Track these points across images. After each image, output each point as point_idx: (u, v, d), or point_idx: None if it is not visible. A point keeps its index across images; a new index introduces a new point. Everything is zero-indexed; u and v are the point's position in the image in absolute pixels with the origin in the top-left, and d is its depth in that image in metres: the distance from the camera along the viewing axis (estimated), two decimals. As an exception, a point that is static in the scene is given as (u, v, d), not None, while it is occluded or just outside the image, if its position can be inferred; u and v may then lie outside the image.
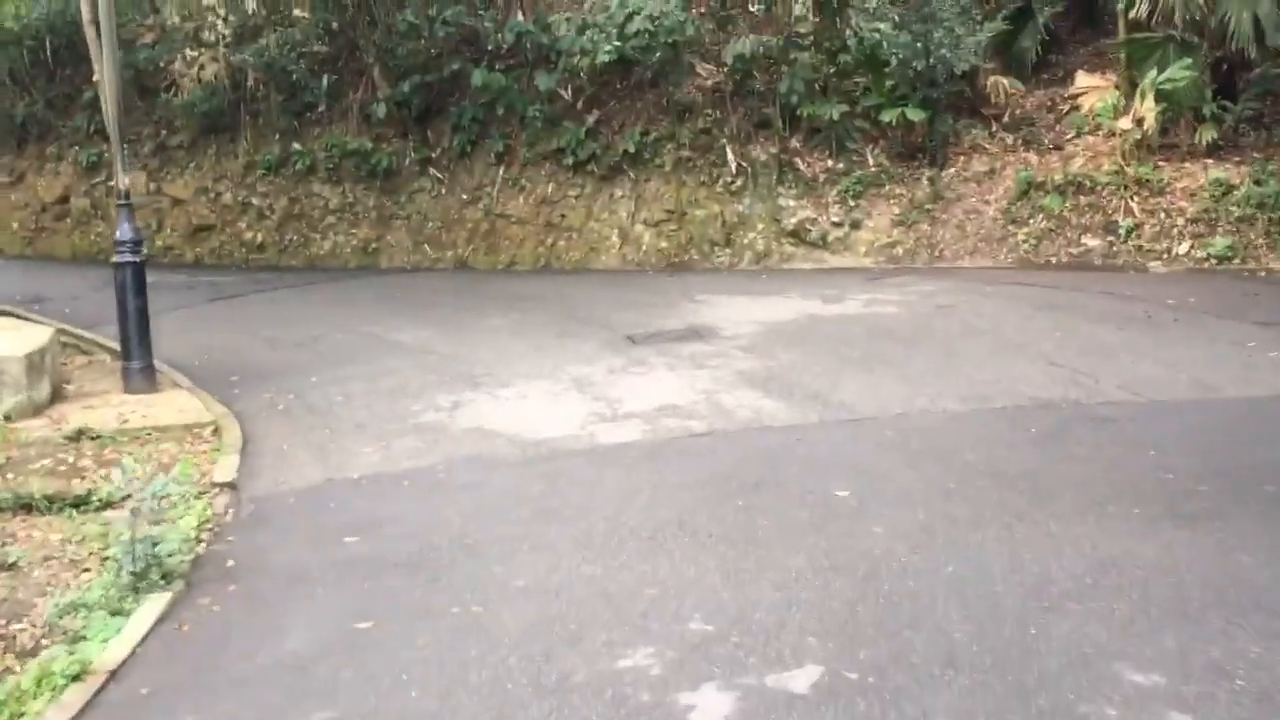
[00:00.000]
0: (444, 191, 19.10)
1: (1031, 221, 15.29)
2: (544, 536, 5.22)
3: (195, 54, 20.74)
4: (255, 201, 20.09)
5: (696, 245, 17.08)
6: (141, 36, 21.47)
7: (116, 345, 12.07)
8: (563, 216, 18.03)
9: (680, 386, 8.30)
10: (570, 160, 17.92)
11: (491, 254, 18.45)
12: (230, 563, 5.12)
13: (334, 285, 16.08)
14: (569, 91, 18.40)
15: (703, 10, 17.99)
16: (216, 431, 8.33)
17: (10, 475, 6.32)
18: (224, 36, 20.82)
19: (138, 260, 9.73)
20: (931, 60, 15.83)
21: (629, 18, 16.62)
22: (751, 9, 18.11)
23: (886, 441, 6.73)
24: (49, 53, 21.83)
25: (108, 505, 5.84)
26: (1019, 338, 9.48)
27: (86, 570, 4.86)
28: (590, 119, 18.14)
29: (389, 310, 13.36)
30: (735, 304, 12.37)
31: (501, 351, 10.37)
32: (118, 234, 9.71)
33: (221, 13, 21.04)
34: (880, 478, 5.99)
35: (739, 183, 17.04)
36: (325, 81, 19.83)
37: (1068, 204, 15.20)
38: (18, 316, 13.79)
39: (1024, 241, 15.12)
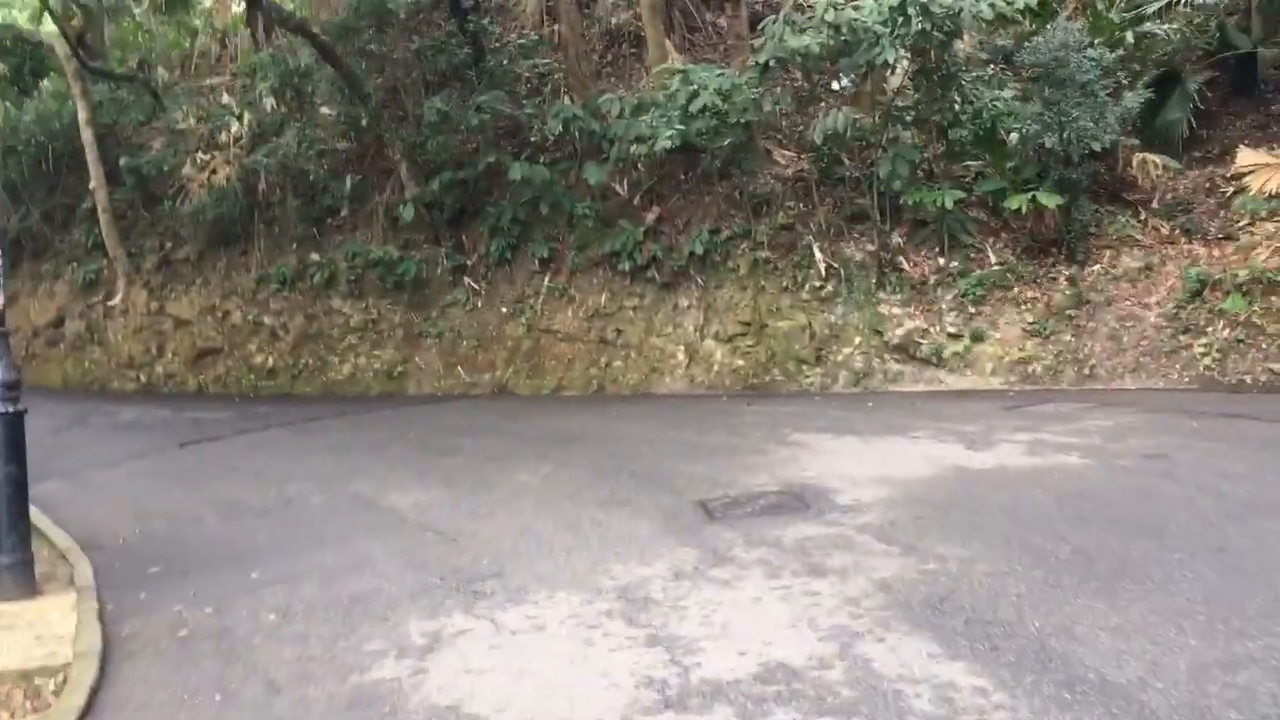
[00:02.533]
0: (480, 305, 16.35)
1: (1210, 330, 12.02)
2: None
3: (207, 157, 18.39)
4: (267, 320, 17.49)
5: (779, 364, 14.03)
6: (150, 141, 19.25)
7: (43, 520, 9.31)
8: (618, 332, 15.12)
9: (791, 617, 5.08)
10: (626, 265, 15.08)
11: (535, 376, 15.55)
12: None
13: (340, 421, 13.20)
14: (624, 186, 15.68)
15: (779, 86, 15.23)
16: (63, 687, 5.32)
17: None
18: (239, 138, 18.51)
19: (10, 410, 6.85)
20: (1065, 134, 12.79)
21: (693, 96, 13.86)
22: (835, 86, 15.24)
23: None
24: (50, 161, 19.68)
25: None
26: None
27: None
28: (650, 217, 15.35)
29: (394, 459, 10.41)
30: (843, 448, 9.22)
31: (523, 531, 7.30)
32: (-18, 375, 6.85)
33: (237, 111, 18.78)
34: None
35: (829, 287, 14.04)
36: (348, 182, 17.36)
37: (1256, 307, 11.93)
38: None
39: (1204, 355, 11.82)
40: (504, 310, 16.16)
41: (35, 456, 11.94)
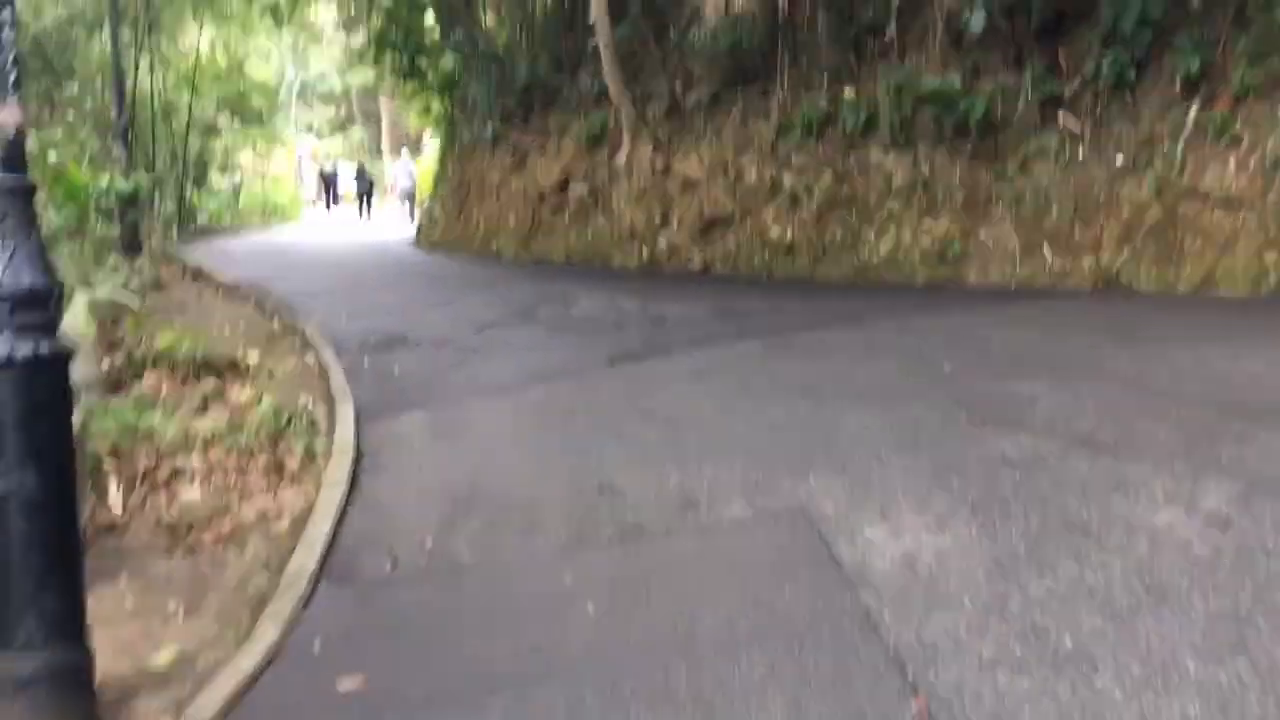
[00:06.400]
0: (1082, 154, 10.94)
1: None
2: None
3: (728, -26, 14.43)
4: (787, 180, 13.35)
5: None
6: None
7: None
8: (1325, 193, 9.01)
9: None
10: (1349, 80, 8.84)
11: (1166, 263, 9.98)
12: None
13: (845, 334, 8.69)
14: (1351, -59, 9.26)
15: None
16: None
17: None
18: (769, -56, 14.28)
19: (28, 355, 3.21)
20: None
21: None
22: None
23: None
24: (569, -2, 16.91)
25: None
26: None
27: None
28: (1398, -8, 8.87)
29: (900, 424, 5.78)
30: None
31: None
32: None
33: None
34: None
35: None
36: (897, -13, 12.51)
37: None
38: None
39: None
40: (1118, 161, 10.61)
41: (437, 366, 9.04)
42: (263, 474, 6.67)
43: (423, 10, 20.55)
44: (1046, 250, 10.90)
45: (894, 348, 7.89)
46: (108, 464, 6.59)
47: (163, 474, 6.67)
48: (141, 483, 6.60)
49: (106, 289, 7.75)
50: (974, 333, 8.25)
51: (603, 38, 14.78)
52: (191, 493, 6.35)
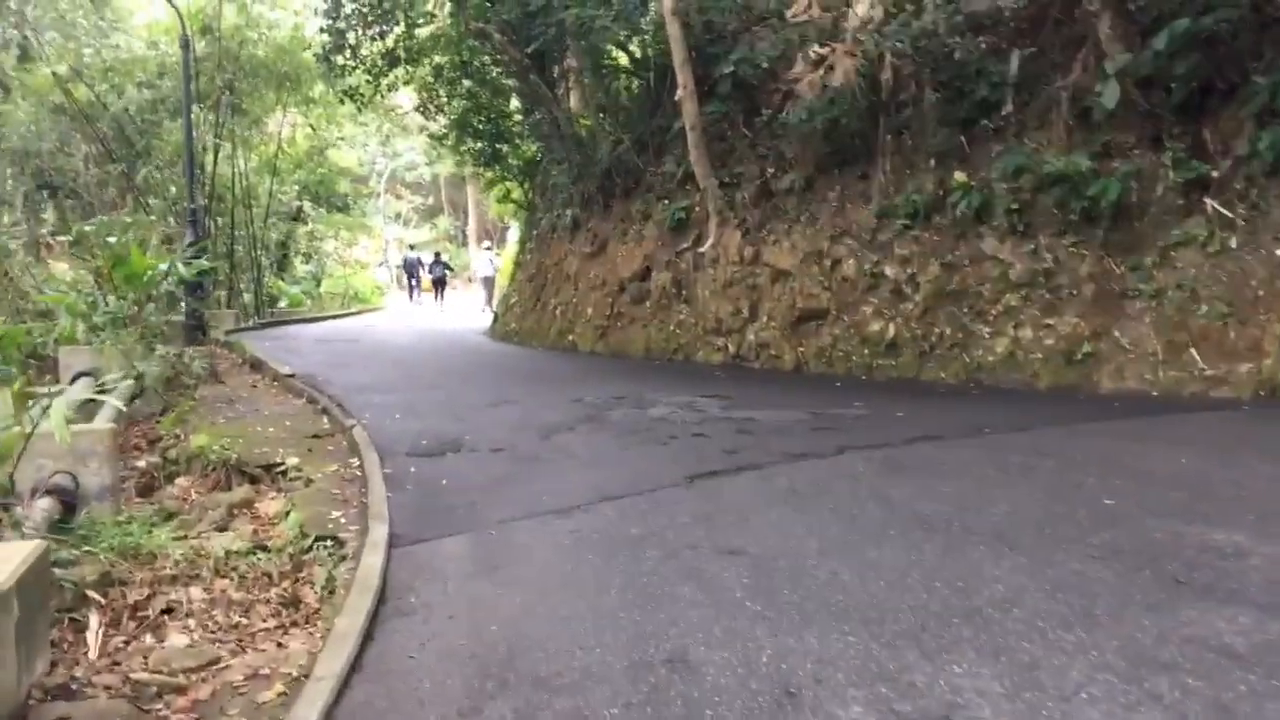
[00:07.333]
0: (1235, 243, 9.59)
1: None
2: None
3: (825, 50, 13.40)
4: (889, 271, 12.14)
5: None
6: (757, 41, 14.72)
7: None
8: None
9: None
10: None
11: (1341, 374, 8.50)
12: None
13: (964, 449, 7.38)
14: None
15: None
16: None
17: None
18: (867, 21, 13.27)
19: None
20: None
21: None
22: None
23: None
24: (652, 75, 16.08)
25: None
26: None
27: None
28: None
29: (1061, 583, 4.46)
30: None
31: None
32: None
33: (869, -15, 13.54)
34: None
35: None
36: (1014, 61, 11.40)
37: None
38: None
39: None
40: (1278, 253, 9.21)
41: (491, 477, 7.90)
42: (273, 610, 5.58)
43: (506, 95, 19.98)
44: (1194, 353, 9.48)
45: (1031, 470, 6.55)
46: (93, 596, 5.58)
47: (156, 608, 5.62)
48: (129, 619, 5.57)
49: (87, 390, 6.78)
50: (1127, 453, 6.87)
51: (689, 118, 13.84)
52: (181, 636, 5.27)
